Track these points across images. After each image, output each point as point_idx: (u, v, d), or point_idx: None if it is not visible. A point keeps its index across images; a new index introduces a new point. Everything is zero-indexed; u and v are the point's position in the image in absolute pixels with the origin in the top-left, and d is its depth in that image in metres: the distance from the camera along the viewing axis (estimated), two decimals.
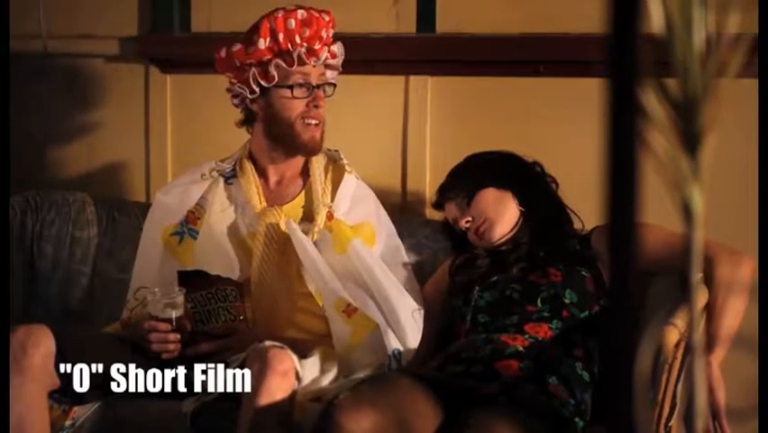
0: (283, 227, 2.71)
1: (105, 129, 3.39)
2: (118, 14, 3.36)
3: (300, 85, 2.70)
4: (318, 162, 2.80)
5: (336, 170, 2.82)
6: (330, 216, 2.73)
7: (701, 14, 0.99)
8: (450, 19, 3.13)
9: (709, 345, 2.36)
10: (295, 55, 2.68)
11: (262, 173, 2.80)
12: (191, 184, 2.83)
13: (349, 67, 2.78)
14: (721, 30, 0.99)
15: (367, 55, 3.04)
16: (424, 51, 3.12)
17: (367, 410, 2.20)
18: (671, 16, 0.99)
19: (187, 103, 3.32)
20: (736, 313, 2.39)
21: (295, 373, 2.39)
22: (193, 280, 2.63)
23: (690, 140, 0.99)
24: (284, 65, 2.69)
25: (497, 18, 3.07)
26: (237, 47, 2.71)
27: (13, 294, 2.91)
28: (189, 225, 2.77)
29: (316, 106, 2.71)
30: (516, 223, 2.67)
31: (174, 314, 2.55)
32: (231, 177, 2.82)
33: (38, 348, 2.46)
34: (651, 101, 0.97)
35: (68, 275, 3.11)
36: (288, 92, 2.70)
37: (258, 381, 2.33)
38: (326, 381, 2.50)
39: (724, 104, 1.00)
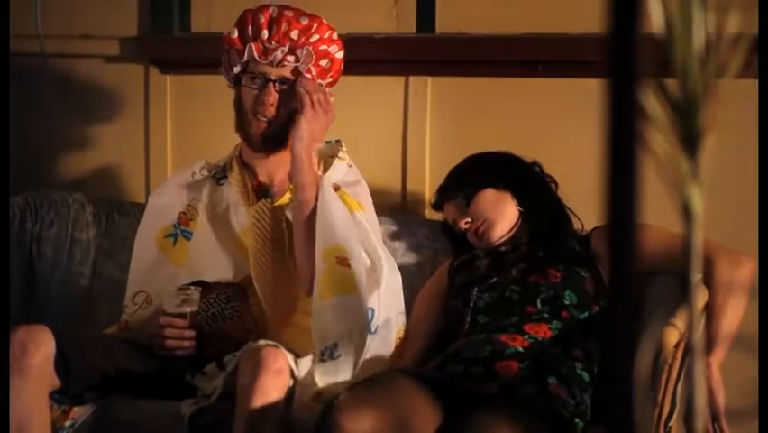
0: (278, 221, 2.70)
1: (105, 129, 3.39)
2: (118, 14, 3.36)
3: (254, 76, 2.69)
4: None
5: (330, 162, 2.80)
6: (336, 188, 2.69)
7: (701, 14, 0.99)
8: (450, 19, 3.13)
9: (709, 345, 2.36)
10: (246, 49, 2.68)
11: (253, 173, 2.80)
12: (182, 185, 2.83)
13: (349, 67, 2.78)
14: (721, 30, 0.99)
15: (367, 55, 3.04)
16: (424, 51, 3.12)
17: (366, 411, 2.20)
18: (671, 16, 0.98)
19: (187, 103, 3.32)
20: (736, 313, 2.40)
21: (290, 372, 2.39)
22: None
23: (690, 140, 0.99)
24: (236, 56, 2.70)
25: (496, 18, 3.07)
26: (224, 34, 2.73)
27: (12, 295, 2.91)
28: (182, 226, 2.78)
29: (263, 102, 2.67)
30: (516, 223, 2.67)
31: (189, 310, 2.56)
32: (222, 177, 2.82)
33: (38, 349, 2.46)
34: (651, 101, 0.97)
35: (67, 276, 3.11)
36: (246, 81, 2.70)
37: (252, 380, 2.33)
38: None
39: (724, 104, 0.99)
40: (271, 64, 2.67)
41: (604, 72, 0.89)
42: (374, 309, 2.48)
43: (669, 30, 0.99)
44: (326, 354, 2.47)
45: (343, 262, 2.53)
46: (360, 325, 2.48)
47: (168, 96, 3.34)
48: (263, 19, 2.68)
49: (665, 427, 2.31)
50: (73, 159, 3.42)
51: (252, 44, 2.66)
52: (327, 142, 2.84)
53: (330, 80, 2.75)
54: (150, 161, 3.36)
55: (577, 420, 2.36)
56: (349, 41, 2.77)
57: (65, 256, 3.12)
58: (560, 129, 3.02)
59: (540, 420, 2.31)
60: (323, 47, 2.70)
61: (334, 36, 2.73)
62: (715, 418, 2.36)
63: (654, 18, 0.98)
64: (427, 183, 3.11)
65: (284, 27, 2.67)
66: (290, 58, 2.67)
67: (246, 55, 2.67)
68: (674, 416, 2.32)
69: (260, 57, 2.66)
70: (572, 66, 2.98)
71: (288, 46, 2.67)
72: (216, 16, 3.29)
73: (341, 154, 2.78)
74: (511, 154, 2.75)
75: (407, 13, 3.15)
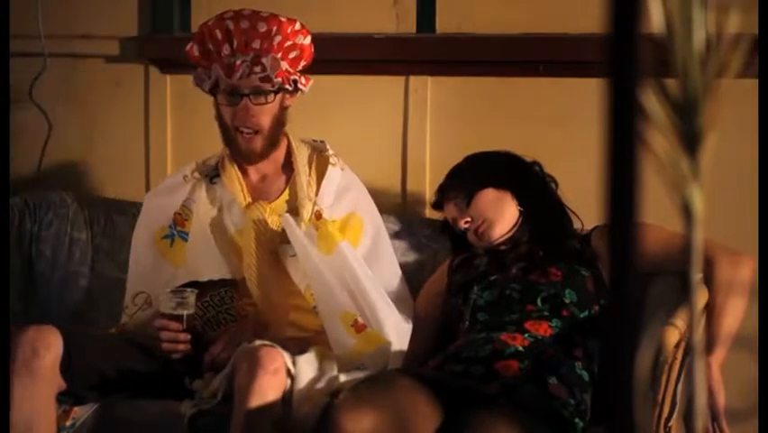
0: (272, 225, 2.69)
1: (105, 129, 3.39)
2: (118, 14, 3.36)
3: (226, 92, 2.66)
4: (302, 154, 2.78)
5: (321, 161, 2.79)
6: (318, 216, 2.71)
7: (701, 14, 0.99)
8: (450, 19, 3.13)
9: (709, 345, 2.36)
10: (212, 68, 2.65)
11: (245, 172, 2.79)
12: (175, 186, 2.82)
13: (349, 67, 2.78)
14: (721, 30, 0.99)
15: (367, 55, 3.04)
16: (424, 51, 3.12)
17: (367, 410, 2.20)
18: (671, 16, 0.98)
19: (187, 103, 3.32)
20: (736, 313, 2.40)
21: (287, 372, 2.38)
22: None
23: (690, 140, 0.99)
24: (203, 74, 2.68)
25: (497, 18, 3.07)
26: (187, 46, 2.71)
27: (12, 295, 2.90)
28: (178, 227, 2.76)
29: (243, 118, 2.65)
30: (516, 223, 2.67)
31: (185, 312, 2.55)
32: (214, 177, 2.81)
33: (49, 350, 2.45)
34: (651, 101, 0.97)
35: (66, 276, 3.11)
36: (221, 98, 2.68)
37: (248, 380, 2.32)
38: (323, 381, 2.48)
39: (724, 104, 0.99)
40: (240, 78, 2.63)
41: (604, 72, 0.89)
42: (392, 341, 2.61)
43: (669, 30, 0.99)
44: (352, 369, 2.54)
45: (359, 326, 2.61)
46: (384, 352, 2.59)
47: (168, 96, 3.33)
48: (220, 35, 2.64)
49: (665, 427, 2.31)
50: (72, 159, 3.42)
51: (216, 64, 2.64)
52: (312, 141, 2.83)
53: (303, 65, 2.72)
54: (151, 160, 3.36)
55: (577, 420, 2.36)
56: (349, 41, 2.77)
57: (64, 256, 3.12)
58: (560, 129, 3.02)
59: (540, 420, 2.31)
60: (288, 43, 2.66)
61: (297, 27, 2.68)
62: (715, 418, 2.36)
63: (654, 18, 0.98)
64: (427, 183, 3.11)
65: (243, 39, 2.64)
66: (257, 68, 2.63)
67: (213, 74, 2.64)
68: (674, 416, 2.32)
69: (226, 75, 2.63)
70: (573, 66, 2.98)
71: (251, 56, 2.63)
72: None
73: (332, 159, 2.77)
74: (511, 154, 2.75)
75: (407, 13, 3.15)
